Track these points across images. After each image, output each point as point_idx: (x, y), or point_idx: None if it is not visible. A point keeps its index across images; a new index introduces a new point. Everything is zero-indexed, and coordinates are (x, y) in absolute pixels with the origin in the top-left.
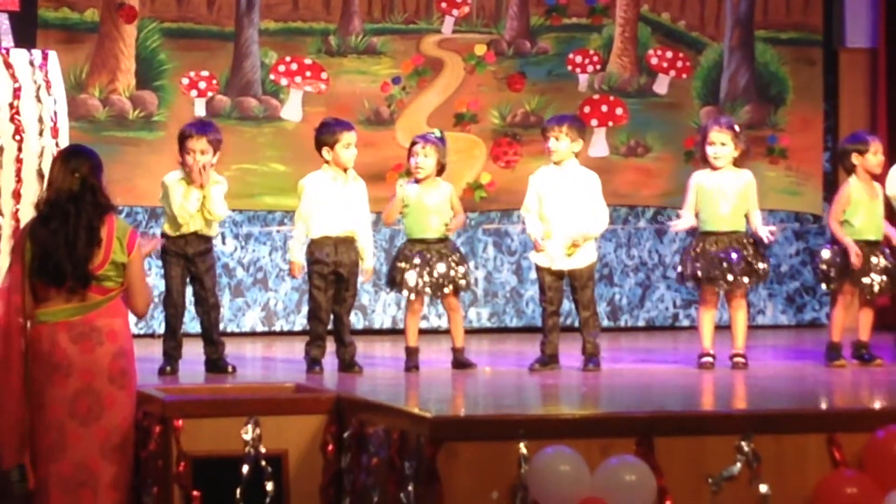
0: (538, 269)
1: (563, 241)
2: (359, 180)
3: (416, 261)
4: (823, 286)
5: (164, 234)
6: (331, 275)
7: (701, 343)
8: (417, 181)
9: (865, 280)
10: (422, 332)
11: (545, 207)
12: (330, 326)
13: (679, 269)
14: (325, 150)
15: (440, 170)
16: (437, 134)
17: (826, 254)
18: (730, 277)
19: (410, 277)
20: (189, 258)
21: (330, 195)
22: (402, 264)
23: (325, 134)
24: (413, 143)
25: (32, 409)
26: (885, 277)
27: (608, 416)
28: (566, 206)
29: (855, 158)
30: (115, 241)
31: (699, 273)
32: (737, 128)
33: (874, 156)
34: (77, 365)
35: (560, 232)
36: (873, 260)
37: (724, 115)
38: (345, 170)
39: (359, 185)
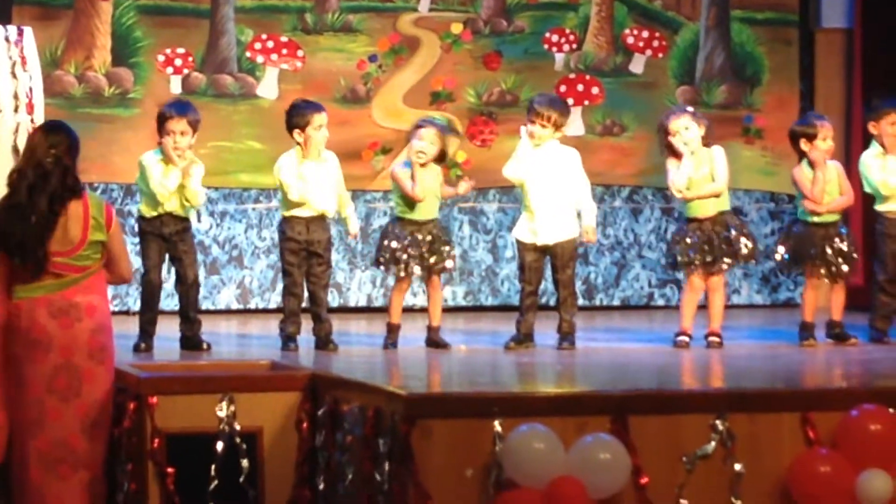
0: (519, 246)
1: (546, 218)
2: (330, 156)
3: (407, 241)
4: (784, 271)
5: (140, 216)
6: (303, 251)
7: (680, 322)
8: (415, 165)
9: (822, 262)
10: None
11: (529, 186)
12: (306, 304)
13: (671, 257)
14: (296, 133)
15: (440, 157)
16: (443, 122)
17: (781, 249)
18: (709, 259)
19: (402, 258)
20: (167, 238)
21: (306, 175)
22: (393, 244)
23: (297, 116)
24: (418, 126)
25: (11, 385)
26: (841, 259)
27: (583, 394)
28: (548, 184)
29: (804, 145)
30: (92, 220)
31: (680, 256)
32: (690, 108)
33: (823, 142)
34: (56, 341)
35: (542, 209)
36: (828, 241)
37: (677, 105)
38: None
39: (330, 161)
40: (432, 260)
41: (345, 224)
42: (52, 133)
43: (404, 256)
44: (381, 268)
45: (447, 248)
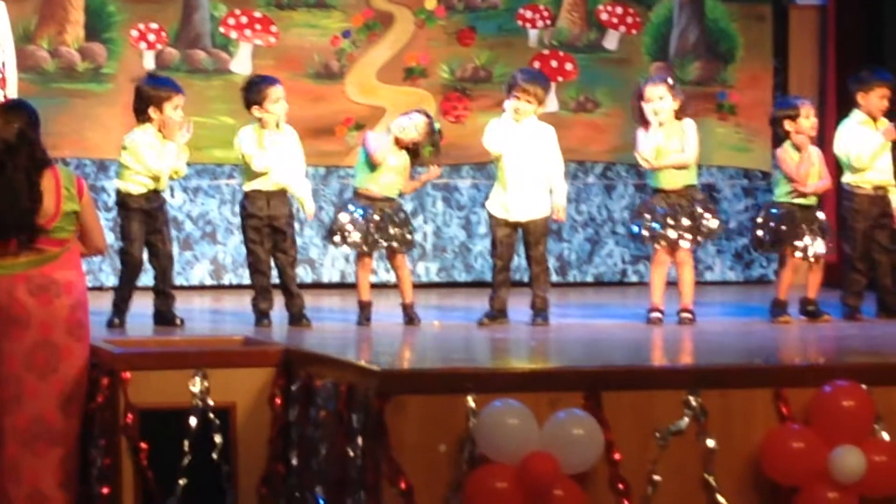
0: (492, 221)
1: (519, 195)
2: (289, 130)
3: (358, 214)
4: (761, 251)
5: (125, 192)
6: (266, 227)
7: (651, 298)
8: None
9: (800, 244)
10: (372, 286)
11: (505, 161)
12: (276, 280)
13: (633, 227)
14: (254, 109)
15: (415, 151)
16: (437, 126)
17: (759, 230)
18: (673, 235)
19: (349, 230)
20: (148, 212)
21: (266, 146)
22: (343, 217)
23: (254, 92)
24: (415, 111)
25: None
26: (820, 240)
27: (556, 370)
28: (524, 160)
29: (788, 125)
30: (64, 190)
31: (643, 230)
32: (670, 80)
33: (806, 119)
34: (35, 317)
35: (516, 185)
36: (807, 223)
37: (657, 72)
38: (276, 125)
39: (289, 135)
40: (379, 238)
41: (300, 204)
42: (10, 111)
43: (350, 229)
44: (331, 239)
45: (401, 229)
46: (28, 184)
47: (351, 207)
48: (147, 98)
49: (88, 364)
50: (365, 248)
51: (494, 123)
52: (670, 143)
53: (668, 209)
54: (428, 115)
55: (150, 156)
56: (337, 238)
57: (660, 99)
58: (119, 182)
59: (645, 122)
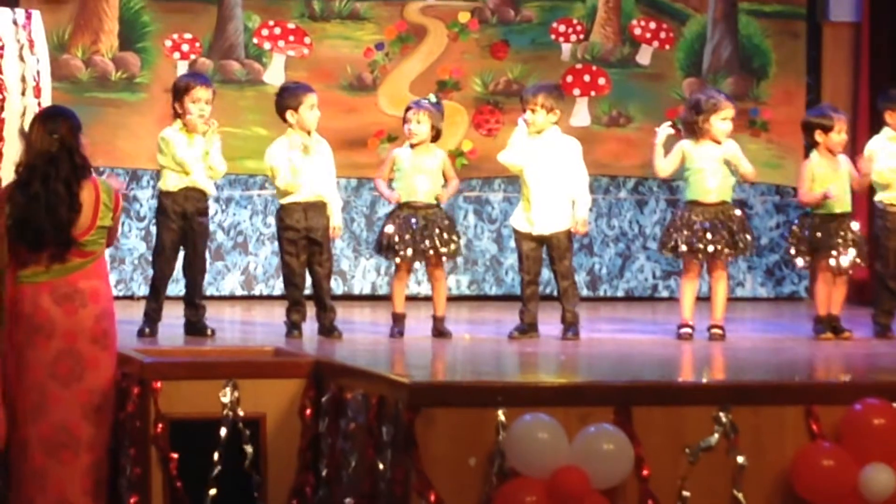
0: (517, 236)
1: (542, 208)
2: (322, 142)
3: (404, 226)
4: (799, 261)
5: (164, 191)
6: (302, 240)
7: (681, 313)
8: (412, 146)
9: (835, 254)
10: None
11: (527, 175)
12: (310, 291)
13: (663, 238)
14: (289, 114)
15: (435, 136)
16: (433, 100)
17: (795, 232)
18: (711, 248)
19: (398, 243)
20: (188, 216)
21: (296, 161)
22: (390, 229)
23: (289, 97)
24: (407, 109)
25: (12, 370)
26: (854, 251)
27: (587, 384)
28: (546, 173)
29: (818, 136)
30: (103, 205)
31: (681, 245)
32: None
33: (838, 135)
34: (60, 326)
35: (539, 198)
36: (841, 234)
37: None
38: (308, 133)
39: (323, 147)
40: (426, 244)
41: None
42: (50, 119)
43: (397, 241)
44: (382, 254)
45: (446, 234)
46: (68, 194)
47: (395, 217)
48: (173, 93)
49: (116, 373)
50: (413, 257)
51: (511, 138)
52: (715, 157)
53: (706, 223)
54: (414, 104)
55: (180, 148)
56: (388, 252)
57: (723, 121)
58: (160, 183)
59: (693, 135)
